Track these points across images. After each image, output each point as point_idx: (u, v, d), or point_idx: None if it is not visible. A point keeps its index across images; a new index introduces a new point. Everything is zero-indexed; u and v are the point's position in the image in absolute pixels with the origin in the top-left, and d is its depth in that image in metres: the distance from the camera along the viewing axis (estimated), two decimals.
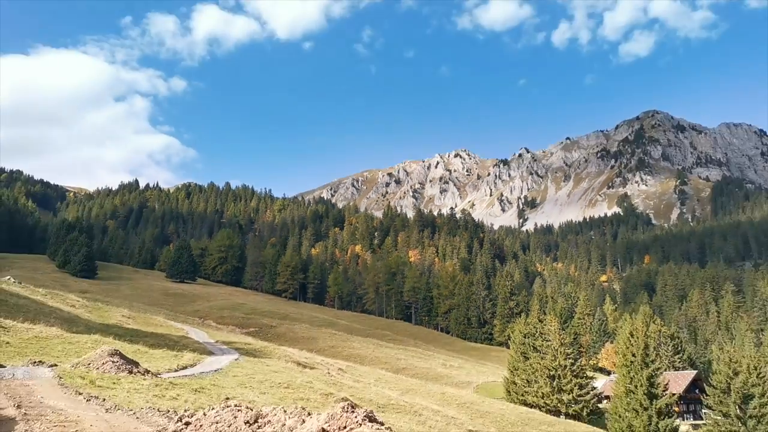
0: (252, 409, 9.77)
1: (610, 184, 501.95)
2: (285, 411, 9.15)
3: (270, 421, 8.84)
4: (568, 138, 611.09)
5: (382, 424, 7.17)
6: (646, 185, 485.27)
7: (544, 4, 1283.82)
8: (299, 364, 57.20)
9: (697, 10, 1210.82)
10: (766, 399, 60.02)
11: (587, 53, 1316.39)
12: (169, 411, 14.14)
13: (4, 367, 23.45)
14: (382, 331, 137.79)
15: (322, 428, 6.90)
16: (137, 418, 13.18)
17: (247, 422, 9.00)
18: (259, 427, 8.74)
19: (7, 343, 35.35)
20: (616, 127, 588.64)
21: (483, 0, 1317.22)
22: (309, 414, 8.49)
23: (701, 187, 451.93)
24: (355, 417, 7.04)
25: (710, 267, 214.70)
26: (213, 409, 10.84)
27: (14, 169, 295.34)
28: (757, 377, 61.69)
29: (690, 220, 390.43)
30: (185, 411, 12.89)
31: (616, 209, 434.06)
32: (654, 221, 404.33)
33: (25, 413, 12.74)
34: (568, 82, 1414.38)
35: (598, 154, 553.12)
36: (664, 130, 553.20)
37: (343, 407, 7.38)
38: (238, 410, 9.94)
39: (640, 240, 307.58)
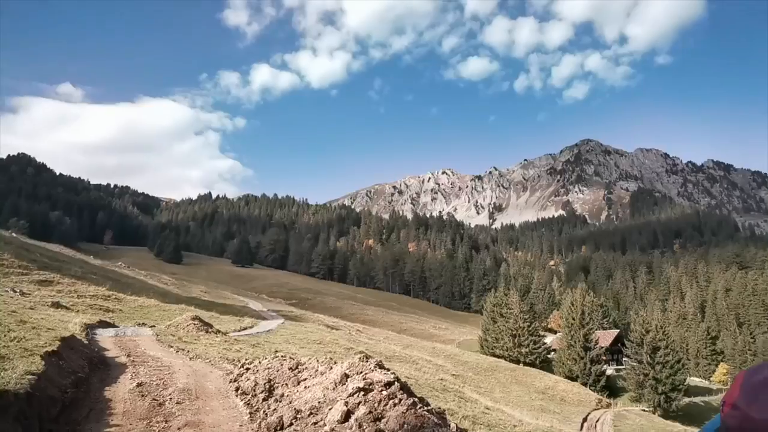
0: (294, 359, 9.94)
1: (556, 194, 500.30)
2: (318, 360, 9.31)
3: (307, 368, 8.99)
4: (525, 159, 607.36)
5: (388, 369, 7.34)
6: (583, 194, 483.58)
7: (507, 61, 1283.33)
8: (328, 326, 57.32)
9: (619, 66, 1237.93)
10: (668, 350, 60.00)
11: (540, 97, 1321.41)
12: (234, 360, 14.36)
13: (118, 327, 23.78)
14: (389, 302, 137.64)
15: (345, 373, 7.05)
16: (212, 364, 13.39)
17: (291, 368, 9.15)
18: (299, 372, 8.90)
19: (120, 310, 35.74)
20: (561, 152, 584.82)
21: (463, 58, 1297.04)
22: (335, 363, 8.64)
23: (623, 195, 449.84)
24: (369, 365, 7.19)
25: (629, 254, 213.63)
26: (266, 358, 11.01)
27: (124, 185, 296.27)
28: (662, 334, 61.59)
29: (615, 220, 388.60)
30: (246, 360, 13.09)
31: (561, 212, 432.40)
32: (589, 221, 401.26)
33: (133, 360, 12.99)
34: (526, 118, 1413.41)
35: (548, 171, 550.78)
36: (595, 154, 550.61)
37: (360, 357, 7.53)
38: (284, 359, 10.10)
39: (578, 235, 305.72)
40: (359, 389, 6.21)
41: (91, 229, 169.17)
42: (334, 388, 6.80)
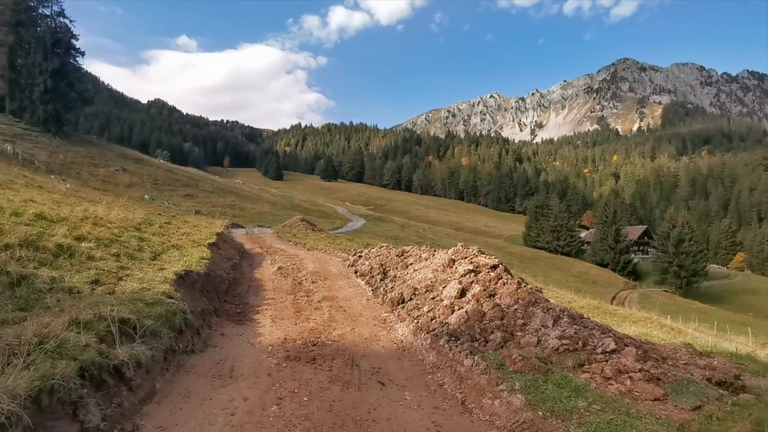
0: (398, 248, 9.79)
1: (592, 110, 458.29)
2: (419, 248, 9.09)
3: (411, 254, 8.79)
4: (564, 80, 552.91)
5: (489, 255, 6.93)
6: (617, 109, 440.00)
7: None
8: (400, 225, 58.18)
9: None
10: (692, 242, 56.42)
11: (587, 17, 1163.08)
12: (345, 249, 14.59)
13: (246, 227, 25.07)
14: (447, 206, 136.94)
15: (451, 258, 6.73)
16: (327, 253, 13.71)
17: (397, 255, 9.00)
18: (405, 258, 8.73)
19: (243, 215, 37.68)
20: (598, 71, 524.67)
21: None
22: (436, 250, 8.36)
23: (655, 108, 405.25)
24: (472, 250, 6.80)
25: (657, 160, 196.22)
26: (374, 247, 10.98)
27: (233, 120, 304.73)
28: (688, 229, 57.71)
29: (645, 132, 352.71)
30: (355, 249, 13.23)
31: (596, 126, 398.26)
32: (620, 133, 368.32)
33: (266, 251, 13.53)
34: (572, 39, 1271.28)
35: (585, 90, 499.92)
36: (631, 71, 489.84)
37: (463, 244, 7.14)
38: (390, 248, 9.99)
39: (610, 146, 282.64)
40: (470, 271, 5.87)
41: (213, 156, 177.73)
42: (442, 270, 6.52)
